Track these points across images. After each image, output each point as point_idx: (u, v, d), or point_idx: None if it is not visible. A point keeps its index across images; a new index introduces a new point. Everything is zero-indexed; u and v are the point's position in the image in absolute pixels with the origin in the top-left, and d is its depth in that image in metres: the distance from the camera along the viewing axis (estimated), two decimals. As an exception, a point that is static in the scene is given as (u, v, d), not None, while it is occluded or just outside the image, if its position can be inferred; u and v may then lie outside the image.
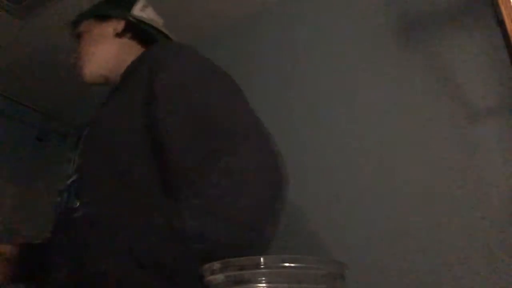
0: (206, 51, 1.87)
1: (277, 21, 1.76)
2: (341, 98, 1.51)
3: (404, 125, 1.36)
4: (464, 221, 1.18)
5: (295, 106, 1.60)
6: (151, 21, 1.01)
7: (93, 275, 0.65)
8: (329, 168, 1.45)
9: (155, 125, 0.71)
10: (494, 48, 1.27)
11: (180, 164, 0.67)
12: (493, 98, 1.24)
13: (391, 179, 1.33)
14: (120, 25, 0.98)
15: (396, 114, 1.39)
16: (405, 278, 1.21)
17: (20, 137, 2.23)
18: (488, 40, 1.28)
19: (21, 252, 0.94)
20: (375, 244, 1.29)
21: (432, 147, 1.29)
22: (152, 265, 0.60)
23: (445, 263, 1.17)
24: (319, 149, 1.50)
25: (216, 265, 0.55)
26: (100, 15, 1.00)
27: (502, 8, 0.77)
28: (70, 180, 0.83)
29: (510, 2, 0.76)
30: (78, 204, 0.78)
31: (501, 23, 1.22)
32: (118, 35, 0.98)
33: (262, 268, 0.52)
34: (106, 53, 0.97)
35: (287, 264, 0.53)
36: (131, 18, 0.99)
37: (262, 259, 0.53)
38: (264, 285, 0.52)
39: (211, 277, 0.55)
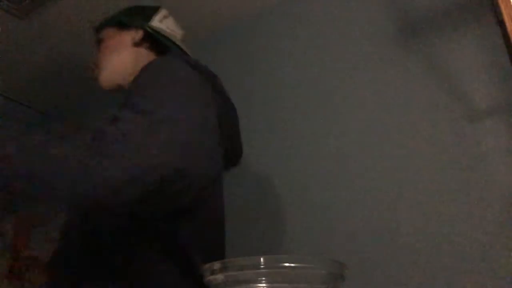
0: (207, 51, 1.87)
1: (277, 21, 1.76)
2: (341, 98, 1.51)
3: (404, 125, 1.36)
4: (464, 221, 1.18)
5: (295, 106, 1.60)
6: (168, 33, 1.02)
7: None
8: (329, 168, 1.46)
9: None
10: (494, 48, 1.27)
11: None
12: (493, 98, 1.24)
13: (391, 179, 1.33)
14: (138, 35, 1.00)
15: (396, 114, 1.39)
16: (405, 278, 1.21)
17: (20, 137, 2.23)
18: (488, 40, 1.28)
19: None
20: (375, 244, 1.29)
21: (432, 147, 1.29)
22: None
23: (445, 262, 1.17)
24: (319, 149, 1.50)
25: (216, 265, 0.55)
26: (121, 23, 1.03)
27: (502, 8, 0.77)
28: None
29: (510, 2, 0.76)
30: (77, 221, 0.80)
31: (501, 23, 1.21)
32: (136, 44, 1.00)
33: (262, 268, 0.52)
34: (123, 61, 0.99)
35: (287, 264, 0.53)
36: (149, 29, 1.01)
37: (262, 259, 0.53)
38: (264, 285, 0.52)
39: (211, 277, 0.55)
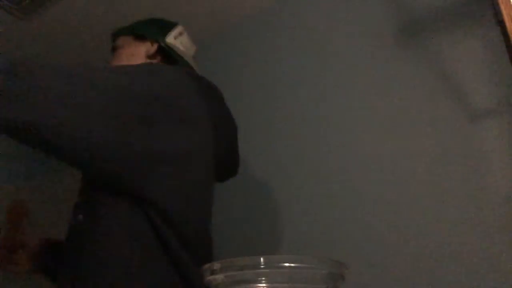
0: (206, 51, 1.86)
1: (277, 21, 1.76)
2: (341, 98, 1.51)
3: (404, 125, 1.36)
4: (464, 221, 1.18)
5: (295, 106, 1.60)
6: (180, 50, 1.06)
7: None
8: (329, 168, 1.46)
9: None
10: (494, 48, 1.27)
11: None
12: (493, 98, 1.24)
13: (391, 178, 1.33)
14: (153, 48, 1.04)
15: (396, 114, 1.39)
16: (405, 277, 1.21)
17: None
18: (488, 40, 1.28)
19: (41, 247, 1.01)
20: (375, 244, 1.29)
21: (432, 147, 1.29)
22: None
23: (445, 262, 1.17)
24: (319, 148, 1.50)
25: (216, 265, 0.55)
26: (138, 34, 1.05)
27: (502, 8, 0.77)
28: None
29: (510, 2, 0.76)
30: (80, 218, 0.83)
31: (501, 23, 1.21)
32: (149, 57, 1.04)
33: (262, 268, 0.52)
34: None
35: (287, 264, 0.53)
36: (163, 44, 1.04)
37: (262, 259, 0.53)
38: (264, 285, 0.52)
39: (211, 277, 0.55)
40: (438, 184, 1.25)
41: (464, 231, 1.18)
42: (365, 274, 1.26)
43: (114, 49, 1.08)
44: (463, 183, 1.22)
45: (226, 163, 1.03)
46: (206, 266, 0.56)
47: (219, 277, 0.54)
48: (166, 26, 1.08)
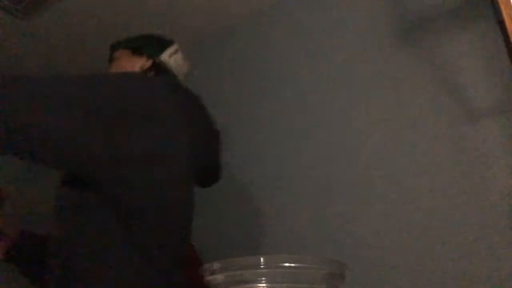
0: (206, 51, 1.86)
1: (277, 22, 1.76)
2: (341, 98, 1.51)
3: (404, 125, 1.36)
4: (464, 220, 1.18)
5: (295, 105, 1.60)
6: (173, 67, 1.12)
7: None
8: (329, 168, 1.46)
9: None
10: (494, 48, 1.27)
11: None
12: (493, 98, 1.24)
13: (391, 178, 1.33)
14: (148, 64, 1.09)
15: (396, 114, 1.39)
16: (405, 277, 1.21)
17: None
18: (488, 40, 1.28)
19: (22, 237, 1.03)
20: (375, 244, 1.29)
21: (432, 147, 1.29)
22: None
23: (444, 262, 1.17)
24: (320, 147, 1.50)
25: (216, 265, 0.55)
26: (135, 48, 1.11)
27: (502, 8, 0.77)
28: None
29: (510, 2, 0.76)
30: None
31: (501, 23, 1.21)
32: (144, 71, 1.09)
33: (262, 268, 0.52)
34: None
35: (287, 264, 0.53)
36: (157, 61, 1.10)
37: (262, 259, 0.53)
38: (264, 285, 0.52)
39: (211, 277, 0.55)
40: (437, 184, 1.25)
41: (464, 230, 1.18)
42: (365, 274, 1.26)
43: (111, 60, 1.14)
44: (462, 182, 1.22)
45: (207, 169, 1.08)
46: (206, 266, 0.56)
47: (219, 277, 0.54)
48: (162, 44, 1.14)
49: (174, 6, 1.79)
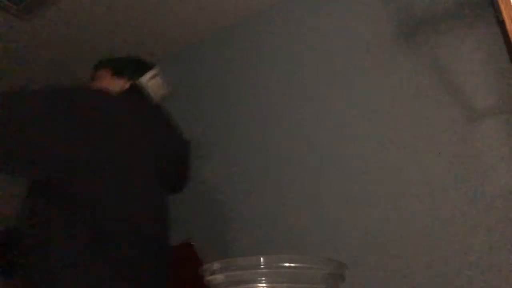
0: (206, 51, 1.85)
1: (277, 22, 1.76)
2: (342, 98, 1.51)
3: (404, 125, 1.36)
4: (464, 220, 1.18)
5: (295, 106, 1.60)
6: (150, 90, 1.16)
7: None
8: (329, 168, 1.46)
9: None
10: (494, 48, 1.26)
11: None
12: (493, 98, 1.24)
13: (391, 178, 1.33)
14: (127, 85, 1.14)
15: (396, 114, 1.39)
16: (405, 277, 1.21)
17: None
18: (488, 40, 1.28)
19: None
20: (375, 244, 1.29)
21: (432, 147, 1.29)
22: None
23: (444, 261, 1.17)
24: (320, 148, 1.50)
25: (216, 265, 0.55)
26: (117, 70, 1.18)
27: (502, 7, 0.77)
28: None
29: (510, 2, 0.76)
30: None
31: (501, 23, 1.21)
32: (121, 91, 1.14)
33: (262, 268, 0.52)
34: None
35: (287, 264, 0.53)
36: (137, 83, 1.15)
37: (262, 259, 0.53)
38: (264, 285, 0.52)
39: (211, 277, 0.55)
40: (437, 184, 1.25)
41: (464, 230, 1.18)
42: (365, 274, 1.26)
43: (93, 78, 1.20)
44: (462, 182, 1.22)
45: (174, 175, 1.14)
46: (206, 266, 0.56)
47: (219, 277, 0.54)
48: (143, 68, 1.20)
49: (174, 6, 1.79)
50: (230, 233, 1.58)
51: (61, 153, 0.88)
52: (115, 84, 1.14)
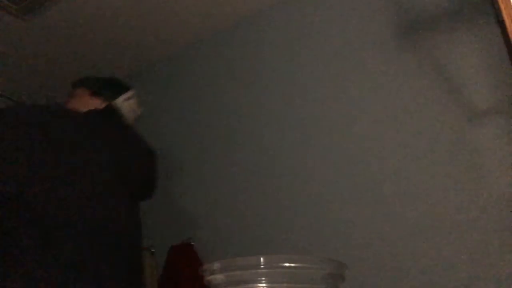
0: (206, 51, 1.85)
1: (277, 22, 1.76)
2: (341, 98, 1.51)
3: (404, 125, 1.36)
4: (464, 220, 1.18)
5: (296, 106, 1.60)
6: (124, 112, 1.25)
7: None
8: (330, 168, 1.46)
9: None
10: (494, 48, 1.27)
11: None
12: (493, 98, 1.24)
13: (391, 179, 1.33)
14: (102, 105, 1.22)
15: (396, 114, 1.39)
16: (405, 277, 1.21)
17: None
18: (488, 40, 1.28)
19: None
20: (375, 244, 1.29)
21: (432, 147, 1.29)
22: None
23: (445, 261, 1.17)
24: (321, 149, 1.50)
25: (216, 265, 0.55)
26: (94, 90, 1.24)
27: (502, 7, 0.77)
28: None
29: (510, 2, 0.76)
30: None
31: (501, 22, 1.21)
32: (96, 110, 1.22)
33: (262, 268, 0.52)
34: None
35: (287, 264, 0.53)
36: (112, 104, 1.23)
37: (262, 259, 0.53)
38: (264, 285, 0.52)
39: (211, 277, 0.55)
40: (437, 183, 1.25)
41: (463, 230, 1.18)
42: (365, 274, 1.26)
43: (70, 95, 1.26)
44: (462, 182, 1.22)
45: (138, 184, 1.20)
46: (206, 266, 0.56)
47: (219, 277, 0.54)
48: (120, 89, 1.28)
49: (175, 7, 1.79)
50: (230, 233, 1.59)
51: (18, 167, 0.95)
52: (92, 104, 1.21)
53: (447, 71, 1.34)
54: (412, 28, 1.43)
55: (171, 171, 1.84)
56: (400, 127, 1.37)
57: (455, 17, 1.36)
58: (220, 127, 1.77)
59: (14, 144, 0.97)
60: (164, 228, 1.75)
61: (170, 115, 1.95)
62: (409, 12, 1.45)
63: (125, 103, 1.25)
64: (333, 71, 1.56)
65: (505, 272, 1.10)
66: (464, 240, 1.17)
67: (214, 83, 1.85)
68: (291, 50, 1.69)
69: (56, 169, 0.99)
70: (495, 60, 1.26)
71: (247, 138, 1.68)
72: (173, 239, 1.67)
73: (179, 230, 1.70)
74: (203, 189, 1.72)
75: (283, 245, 1.45)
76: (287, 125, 1.60)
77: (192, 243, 1.62)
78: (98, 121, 1.16)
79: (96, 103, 1.22)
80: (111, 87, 1.27)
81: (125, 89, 1.29)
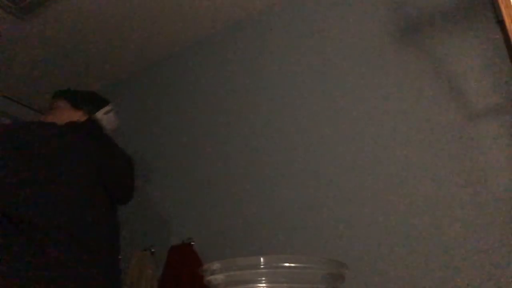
0: (206, 51, 1.85)
1: (277, 22, 1.76)
2: (342, 98, 1.51)
3: (404, 125, 1.36)
4: (464, 220, 1.18)
5: (295, 106, 1.60)
6: (103, 124, 1.33)
7: None
8: (330, 168, 1.46)
9: None
10: (494, 48, 1.27)
11: None
12: (493, 98, 1.24)
13: (391, 179, 1.33)
14: (83, 118, 1.30)
15: (396, 114, 1.39)
16: (405, 276, 1.21)
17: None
18: (488, 40, 1.28)
19: None
20: (375, 244, 1.29)
21: (432, 147, 1.29)
22: None
23: (444, 261, 1.17)
24: (320, 148, 1.50)
25: (216, 265, 0.55)
26: (75, 103, 1.33)
27: (502, 8, 0.77)
28: None
29: (510, 2, 0.76)
30: None
31: (501, 23, 1.21)
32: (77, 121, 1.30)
33: (262, 268, 0.52)
34: None
35: (287, 264, 0.53)
36: (93, 116, 1.32)
37: (262, 259, 0.53)
38: (264, 285, 0.52)
39: (211, 277, 0.56)
40: (437, 183, 1.25)
41: (463, 230, 1.18)
42: (365, 275, 1.26)
43: (51, 107, 1.33)
44: (462, 182, 1.22)
45: (118, 190, 1.28)
46: (206, 266, 0.56)
47: (219, 277, 0.54)
48: (99, 103, 1.37)
49: (174, 7, 1.79)
50: (230, 233, 1.58)
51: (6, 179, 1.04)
52: (73, 115, 1.29)
53: (447, 71, 1.34)
54: (412, 28, 1.43)
55: (171, 171, 1.84)
56: (400, 127, 1.37)
57: (455, 17, 1.36)
58: (220, 127, 1.77)
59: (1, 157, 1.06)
60: (164, 228, 1.75)
61: (170, 115, 1.95)
62: (409, 12, 1.45)
63: (105, 116, 1.35)
64: (333, 71, 1.56)
65: (505, 272, 1.10)
66: (465, 239, 1.17)
67: (214, 83, 1.86)
68: (291, 50, 1.69)
69: (42, 176, 1.07)
70: (495, 60, 1.26)
71: (247, 138, 1.68)
72: (173, 239, 1.67)
73: (179, 230, 1.70)
74: (203, 189, 1.72)
75: (283, 245, 1.45)
76: (288, 125, 1.60)
77: (192, 243, 1.62)
78: (81, 132, 1.24)
79: (78, 115, 1.30)
80: (91, 100, 1.37)
81: (104, 102, 1.38)
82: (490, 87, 1.25)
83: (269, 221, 1.51)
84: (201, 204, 1.70)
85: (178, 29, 1.92)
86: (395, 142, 1.36)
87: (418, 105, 1.36)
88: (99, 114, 1.34)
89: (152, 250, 1.70)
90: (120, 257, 1.53)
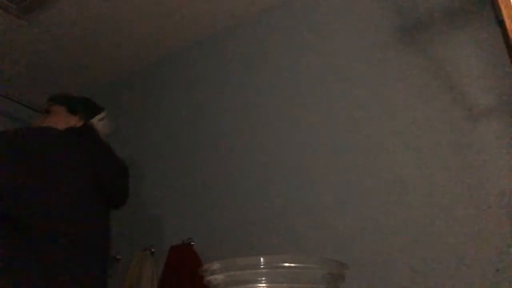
0: (206, 51, 1.85)
1: (277, 22, 1.76)
2: (341, 98, 1.51)
3: (404, 125, 1.36)
4: (463, 220, 1.18)
5: (295, 106, 1.60)
6: (98, 129, 1.37)
7: None
8: (329, 168, 1.46)
9: None
10: (494, 48, 1.26)
11: None
12: (493, 98, 1.24)
13: (391, 178, 1.33)
14: (79, 123, 1.33)
15: (396, 114, 1.39)
16: (405, 276, 1.21)
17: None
18: (488, 40, 1.28)
19: None
20: (375, 244, 1.29)
21: (432, 147, 1.29)
22: None
23: (444, 261, 1.17)
24: (320, 149, 1.50)
25: (216, 265, 0.55)
26: (71, 108, 1.35)
27: (502, 8, 0.77)
28: None
29: (510, 2, 0.76)
30: None
31: (501, 23, 1.22)
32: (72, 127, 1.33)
33: (262, 268, 0.52)
34: None
35: (287, 264, 0.53)
36: (89, 122, 1.36)
37: (262, 259, 0.53)
38: (264, 285, 0.52)
39: (211, 277, 0.56)
40: (437, 183, 1.25)
41: (463, 230, 1.18)
42: (365, 274, 1.26)
43: (47, 111, 1.35)
44: (462, 182, 1.22)
45: (113, 194, 1.30)
46: (206, 266, 0.56)
47: (219, 277, 0.54)
48: (94, 110, 1.40)
49: (174, 7, 1.79)
50: (230, 233, 1.59)
51: (6, 183, 1.05)
52: (69, 121, 1.31)
53: (447, 71, 1.34)
54: (412, 28, 1.43)
55: (171, 171, 1.84)
56: (400, 127, 1.37)
57: (455, 17, 1.36)
58: (220, 127, 1.77)
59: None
60: (164, 228, 1.75)
61: (170, 115, 1.95)
62: (409, 12, 1.45)
63: (100, 123, 1.39)
64: (333, 71, 1.56)
65: (507, 272, 1.10)
66: (464, 240, 1.17)
67: (214, 83, 1.86)
68: (291, 50, 1.69)
69: (42, 179, 1.09)
70: (495, 60, 1.26)
71: (247, 138, 1.68)
72: (173, 239, 1.67)
73: (179, 230, 1.70)
74: (203, 189, 1.72)
75: (283, 245, 1.45)
76: (287, 125, 1.60)
77: (192, 243, 1.62)
78: (80, 137, 1.27)
79: (74, 120, 1.33)
80: (87, 106, 1.40)
81: (99, 109, 1.43)
82: (490, 87, 1.25)
83: (269, 221, 1.51)
84: (200, 204, 1.70)
85: (178, 29, 1.92)
86: (395, 142, 1.36)
87: (418, 104, 1.36)
88: (95, 120, 1.39)
89: (152, 250, 1.70)
90: (119, 257, 1.66)
